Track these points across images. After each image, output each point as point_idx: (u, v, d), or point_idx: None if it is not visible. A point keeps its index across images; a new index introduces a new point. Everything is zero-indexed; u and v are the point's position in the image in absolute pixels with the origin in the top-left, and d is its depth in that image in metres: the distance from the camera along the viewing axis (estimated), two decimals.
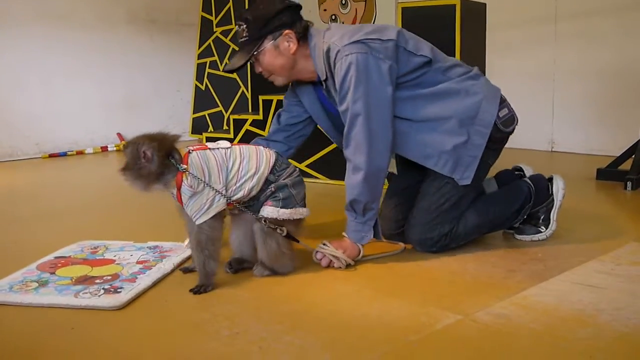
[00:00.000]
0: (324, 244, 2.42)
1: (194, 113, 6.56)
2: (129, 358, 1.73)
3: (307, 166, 4.24)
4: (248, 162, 2.26)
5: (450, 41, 3.61)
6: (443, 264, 2.44)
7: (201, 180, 2.17)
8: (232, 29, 6.05)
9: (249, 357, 1.69)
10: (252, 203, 2.31)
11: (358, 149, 2.36)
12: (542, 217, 2.66)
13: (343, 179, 2.51)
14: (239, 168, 2.25)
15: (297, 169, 2.39)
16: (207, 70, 6.37)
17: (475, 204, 2.57)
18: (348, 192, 2.42)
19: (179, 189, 2.17)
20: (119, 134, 6.30)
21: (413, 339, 1.79)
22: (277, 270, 2.32)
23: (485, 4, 3.91)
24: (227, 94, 6.18)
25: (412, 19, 3.74)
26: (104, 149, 6.17)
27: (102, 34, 6.25)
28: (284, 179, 2.31)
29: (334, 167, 4.13)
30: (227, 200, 2.22)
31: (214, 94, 6.34)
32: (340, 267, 2.39)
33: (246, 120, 4.53)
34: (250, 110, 5.74)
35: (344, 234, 2.47)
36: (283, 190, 2.29)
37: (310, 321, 1.93)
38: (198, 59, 6.46)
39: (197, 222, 2.18)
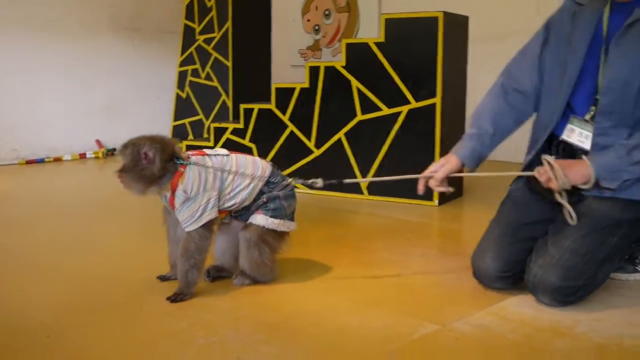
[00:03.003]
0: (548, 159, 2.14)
1: (174, 121, 6.53)
2: None
3: (286, 176, 4.22)
4: (244, 172, 2.25)
5: (433, 53, 3.63)
6: (423, 275, 2.44)
7: (206, 169, 2.14)
8: (215, 37, 6.05)
9: None
10: (243, 212, 2.30)
11: None
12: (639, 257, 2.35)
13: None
14: (234, 177, 2.23)
15: (291, 182, 2.38)
16: (189, 78, 6.35)
17: None
18: None
19: (173, 192, 2.15)
20: (97, 141, 6.25)
21: (391, 348, 1.78)
22: (258, 279, 2.31)
23: (467, 17, 3.94)
24: (208, 102, 6.16)
25: (394, 30, 3.76)
26: (82, 155, 6.11)
27: (84, 42, 6.20)
28: (277, 191, 2.30)
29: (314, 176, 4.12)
30: (218, 208, 2.21)
31: (194, 102, 6.32)
32: (556, 191, 2.13)
33: (227, 128, 4.51)
34: (231, 119, 5.74)
35: (584, 157, 2.12)
36: (274, 202, 2.28)
37: (288, 332, 1.91)
38: (180, 66, 6.45)
39: (187, 230, 2.16)
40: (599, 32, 2.17)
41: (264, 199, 2.28)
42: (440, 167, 2.27)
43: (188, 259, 2.16)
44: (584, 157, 2.09)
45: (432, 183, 2.27)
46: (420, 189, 2.29)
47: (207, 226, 2.18)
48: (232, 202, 2.23)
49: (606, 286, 2.19)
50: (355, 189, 3.96)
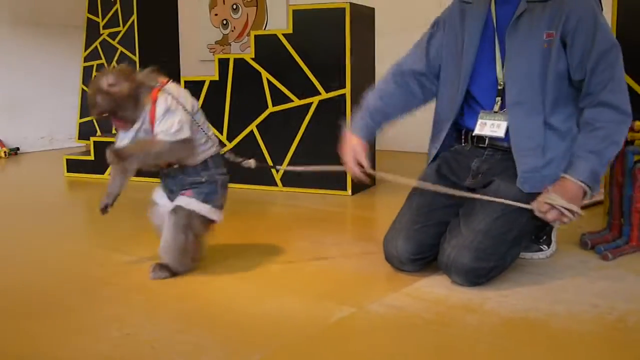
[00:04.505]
0: (547, 193, 2.12)
1: (80, 118, 6.32)
2: None
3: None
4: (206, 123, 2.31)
5: (341, 44, 3.66)
6: (338, 261, 2.47)
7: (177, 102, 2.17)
8: (120, 31, 5.90)
9: (141, 358, 1.64)
10: (180, 175, 2.28)
11: (619, 87, 2.15)
12: (544, 237, 2.47)
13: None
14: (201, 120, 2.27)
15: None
16: (94, 73, 6.16)
17: None
18: (607, 136, 2.13)
19: (154, 102, 2.14)
20: None
21: (308, 332, 1.80)
22: (174, 269, 2.26)
23: (373, 8, 4.01)
24: None
25: (302, 21, 3.78)
26: None
27: None
28: (218, 174, 2.30)
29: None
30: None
31: None
32: (568, 222, 2.15)
33: None
34: None
35: (566, 175, 2.13)
36: (211, 186, 2.28)
37: (204, 320, 1.90)
38: (84, 61, 6.25)
39: (161, 137, 2.14)
40: (489, 24, 2.28)
41: (204, 178, 2.26)
42: (357, 155, 2.35)
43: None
44: (563, 175, 2.13)
45: (358, 171, 2.35)
46: (359, 176, 2.36)
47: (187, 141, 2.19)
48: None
49: (513, 265, 2.27)
50: (269, 181, 3.96)
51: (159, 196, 2.36)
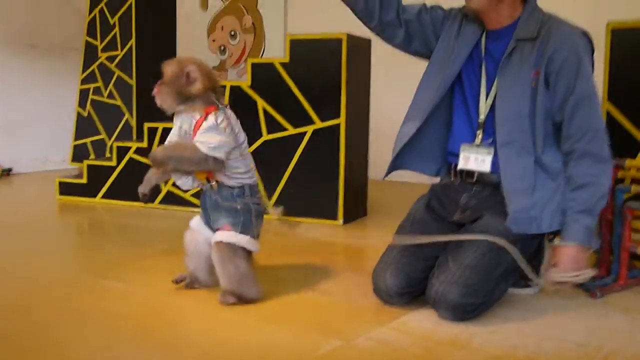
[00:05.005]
0: (551, 271, 2.18)
1: (75, 140, 6.33)
2: None
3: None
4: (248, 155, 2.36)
5: (337, 74, 3.69)
6: (327, 292, 2.46)
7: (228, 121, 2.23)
8: (118, 54, 5.93)
9: None
10: (215, 196, 2.31)
11: (597, 134, 2.17)
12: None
13: None
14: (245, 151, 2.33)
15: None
16: (91, 96, 6.18)
17: None
18: (595, 192, 2.16)
19: (206, 115, 2.20)
20: None
21: None
22: (243, 295, 2.26)
23: (370, 40, 4.03)
24: (111, 121, 6.01)
25: (300, 50, 3.81)
26: None
27: None
28: (253, 203, 2.32)
29: None
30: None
31: (97, 120, 6.15)
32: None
33: (130, 147, 4.42)
34: (134, 138, 5.63)
35: (562, 244, 2.18)
36: (246, 216, 2.29)
37: (190, 349, 1.89)
38: (81, 84, 6.27)
39: (197, 145, 2.18)
40: (479, 51, 2.28)
41: (239, 206, 2.28)
42: None
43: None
44: (559, 244, 2.18)
45: None
46: None
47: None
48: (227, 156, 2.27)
49: (501, 300, 2.27)
50: None
51: (195, 222, 2.41)
